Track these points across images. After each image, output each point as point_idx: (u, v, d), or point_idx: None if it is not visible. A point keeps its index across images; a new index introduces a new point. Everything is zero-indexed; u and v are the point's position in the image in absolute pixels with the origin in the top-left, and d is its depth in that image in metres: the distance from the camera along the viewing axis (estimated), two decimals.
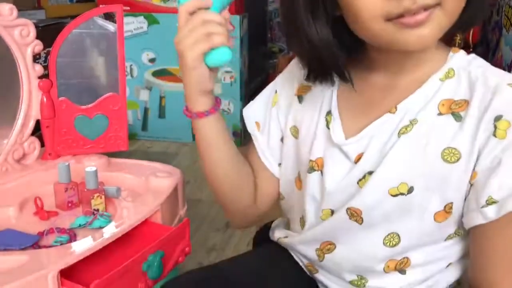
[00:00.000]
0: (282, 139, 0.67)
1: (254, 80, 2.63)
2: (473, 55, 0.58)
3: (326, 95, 0.63)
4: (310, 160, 0.62)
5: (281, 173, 0.68)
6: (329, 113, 0.62)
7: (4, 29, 0.78)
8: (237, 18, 1.98)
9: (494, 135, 0.52)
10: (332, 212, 0.61)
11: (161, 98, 2.16)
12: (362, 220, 0.58)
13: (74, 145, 0.88)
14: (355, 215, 0.58)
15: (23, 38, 0.81)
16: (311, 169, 0.62)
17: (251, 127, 0.69)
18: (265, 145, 0.68)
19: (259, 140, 0.68)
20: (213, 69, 0.59)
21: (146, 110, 2.19)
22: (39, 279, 0.58)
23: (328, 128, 0.61)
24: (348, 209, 0.58)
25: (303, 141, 0.64)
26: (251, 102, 0.71)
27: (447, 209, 0.55)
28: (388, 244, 0.58)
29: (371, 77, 0.61)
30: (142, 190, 0.82)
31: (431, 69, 0.57)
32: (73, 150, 0.88)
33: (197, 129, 0.63)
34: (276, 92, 0.68)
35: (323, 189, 0.61)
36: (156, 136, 2.20)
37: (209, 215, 1.64)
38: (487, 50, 2.08)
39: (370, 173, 0.57)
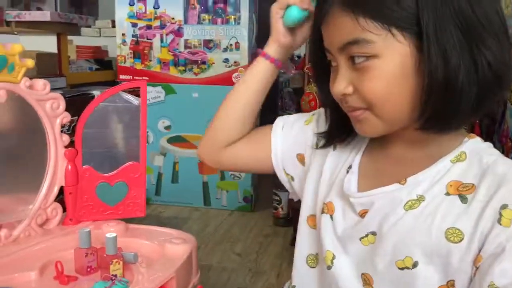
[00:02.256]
0: (297, 156, 0.76)
1: None
2: (488, 143, 0.63)
3: (353, 151, 0.69)
4: (324, 203, 0.67)
5: (302, 208, 0.75)
6: (350, 167, 0.67)
7: (37, 102, 0.85)
8: None
9: (499, 222, 0.54)
10: (333, 258, 0.64)
11: (174, 163, 2.22)
12: None
13: (94, 211, 0.92)
14: (367, 282, 0.61)
15: (53, 111, 0.87)
16: (322, 211, 0.66)
17: (277, 125, 0.80)
18: (281, 137, 0.79)
19: (277, 131, 0.79)
20: (290, 28, 0.74)
21: (160, 175, 2.24)
22: None
23: (344, 179, 0.66)
24: (362, 274, 0.61)
25: (323, 183, 0.69)
26: (286, 118, 0.82)
27: (449, 285, 0.57)
28: None
29: (388, 146, 0.66)
30: (157, 256, 0.84)
31: (444, 150, 0.62)
32: (93, 216, 0.92)
33: (255, 65, 0.78)
34: (314, 115, 0.78)
35: (331, 232, 0.65)
36: (169, 200, 2.24)
37: (220, 281, 1.63)
38: (493, 122, 2.12)
39: (373, 233, 0.61)
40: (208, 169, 2.20)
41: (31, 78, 0.83)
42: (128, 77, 2.18)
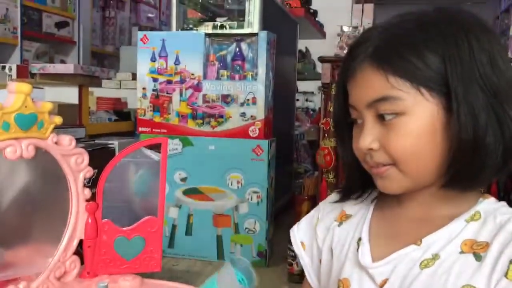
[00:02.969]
0: (320, 261, 0.74)
1: (280, 200, 2.69)
2: (502, 203, 0.64)
3: (360, 223, 0.69)
4: (339, 280, 0.66)
5: None
6: (359, 239, 0.67)
7: (62, 157, 0.88)
8: (265, 142, 2.10)
9: (506, 276, 0.55)
10: None
11: (189, 216, 2.22)
12: None
13: (111, 265, 0.93)
14: None
15: (77, 165, 0.90)
16: None
17: (297, 248, 0.78)
18: (310, 265, 0.77)
19: (305, 260, 0.77)
20: None
21: (174, 227, 2.24)
22: None
23: (357, 252, 0.66)
24: None
25: (336, 262, 0.69)
26: (297, 224, 0.80)
27: None
28: None
29: (400, 208, 0.67)
30: None
31: (458, 210, 0.63)
32: (110, 270, 0.93)
33: None
34: (318, 217, 0.76)
35: None
36: (182, 253, 2.22)
37: None
38: (511, 179, 2.11)
39: None
40: (222, 222, 2.19)
41: (57, 134, 0.87)
42: (147, 129, 2.23)
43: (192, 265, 2.17)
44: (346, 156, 0.69)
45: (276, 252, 2.26)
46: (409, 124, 0.59)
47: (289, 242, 1.97)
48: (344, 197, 0.74)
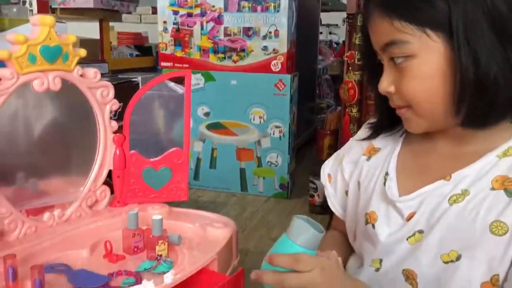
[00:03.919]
0: (346, 192, 0.76)
1: (302, 135, 2.70)
2: None
3: (388, 157, 0.70)
4: (366, 213, 0.68)
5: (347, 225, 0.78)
6: (386, 173, 0.68)
7: (89, 90, 0.89)
8: (288, 77, 2.08)
9: None
10: (381, 261, 0.65)
11: (213, 149, 2.26)
12: (417, 286, 0.61)
13: (140, 194, 0.96)
14: (410, 278, 0.62)
15: (103, 98, 0.91)
16: (366, 222, 0.67)
17: (324, 179, 0.83)
18: (333, 195, 0.81)
19: (329, 190, 0.81)
20: None
21: (198, 161, 2.29)
22: None
23: (385, 186, 0.67)
24: (404, 270, 0.62)
25: (363, 195, 0.71)
26: (328, 159, 0.83)
27: (494, 281, 0.58)
28: None
29: (430, 144, 0.67)
30: (199, 239, 0.88)
31: (490, 145, 0.62)
32: (138, 199, 0.97)
33: None
34: (345, 152, 0.78)
35: (376, 240, 0.66)
36: (207, 185, 2.29)
37: (257, 265, 1.67)
38: None
39: (420, 232, 0.62)
40: (245, 156, 2.23)
41: (82, 67, 0.88)
42: (169, 64, 2.23)
43: (216, 197, 2.24)
44: (376, 95, 0.69)
45: (298, 185, 2.31)
46: (418, 66, 0.59)
47: (311, 174, 2.00)
48: (374, 134, 0.75)
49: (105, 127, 0.93)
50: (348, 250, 0.79)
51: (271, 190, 2.20)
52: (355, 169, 0.75)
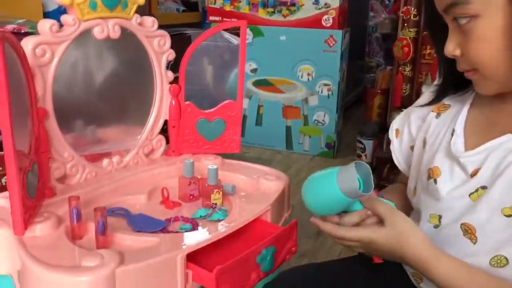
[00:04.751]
0: (412, 148, 0.74)
1: (350, 93, 2.65)
2: None
3: (456, 115, 0.68)
4: (429, 168, 0.66)
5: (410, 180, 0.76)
6: (454, 130, 0.66)
7: (146, 39, 0.89)
8: (339, 33, 2.02)
9: None
10: (440, 217, 0.64)
11: (259, 106, 2.26)
12: (476, 240, 0.60)
13: (194, 145, 0.98)
14: (469, 232, 0.61)
15: (160, 47, 0.91)
16: (428, 177, 0.66)
17: (391, 133, 0.82)
18: (398, 150, 0.80)
19: (395, 145, 0.81)
20: None
21: (244, 117, 2.29)
22: (170, 259, 0.65)
23: (450, 142, 0.65)
24: (462, 224, 0.61)
25: (428, 151, 0.69)
26: (399, 115, 0.83)
27: None
28: (495, 265, 0.60)
29: (500, 102, 0.64)
30: (252, 190, 0.89)
31: None
32: (193, 149, 0.98)
33: None
34: (415, 106, 0.76)
35: (436, 195, 0.64)
36: (252, 142, 2.30)
37: (301, 221, 1.68)
38: None
39: (483, 187, 0.60)
40: (291, 114, 2.22)
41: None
42: (217, 18, 2.21)
43: (262, 153, 2.25)
44: (441, 56, 0.67)
45: (344, 144, 2.29)
46: (482, 27, 0.57)
47: (359, 134, 1.97)
48: (436, 99, 0.72)
49: (161, 77, 0.93)
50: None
51: (317, 149, 2.19)
52: (423, 125, 0.73)
